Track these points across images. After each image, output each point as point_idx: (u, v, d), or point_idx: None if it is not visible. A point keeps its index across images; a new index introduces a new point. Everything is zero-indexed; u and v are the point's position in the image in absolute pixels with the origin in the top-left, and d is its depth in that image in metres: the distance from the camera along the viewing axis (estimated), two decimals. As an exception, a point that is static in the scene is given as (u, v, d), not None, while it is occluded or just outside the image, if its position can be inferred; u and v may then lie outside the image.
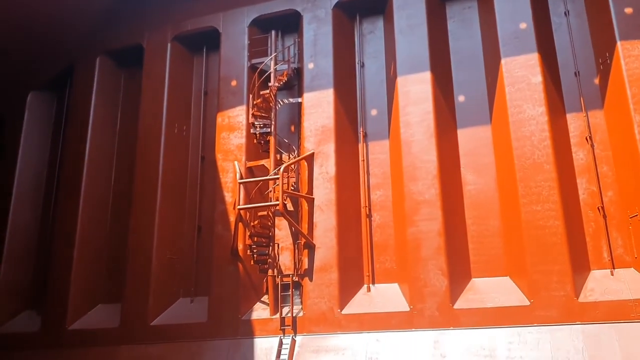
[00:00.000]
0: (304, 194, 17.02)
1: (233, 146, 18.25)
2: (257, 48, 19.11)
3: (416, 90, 16.63)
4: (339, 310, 15.66)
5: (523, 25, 16.03)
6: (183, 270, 18.31)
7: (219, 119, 18.80)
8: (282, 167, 16.36)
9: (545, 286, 14.00)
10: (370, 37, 18.86)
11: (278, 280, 16.48)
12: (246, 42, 19.10)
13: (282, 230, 17.38)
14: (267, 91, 17.55)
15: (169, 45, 20.05)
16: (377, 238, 16.79)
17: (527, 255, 14.40)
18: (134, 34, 20.83)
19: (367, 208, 17.04)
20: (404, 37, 17.29)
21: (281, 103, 18.32)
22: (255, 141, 18.01)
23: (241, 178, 17.16)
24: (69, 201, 19.83)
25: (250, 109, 17.73)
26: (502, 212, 15.72)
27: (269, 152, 17.69)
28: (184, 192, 19.18)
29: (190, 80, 20.50)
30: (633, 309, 13.27)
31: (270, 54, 18.70)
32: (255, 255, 16.39)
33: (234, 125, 18.45)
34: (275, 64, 18.35)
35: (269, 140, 17.71)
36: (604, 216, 14.82)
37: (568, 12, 16.57)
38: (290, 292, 16.17)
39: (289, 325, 15.88)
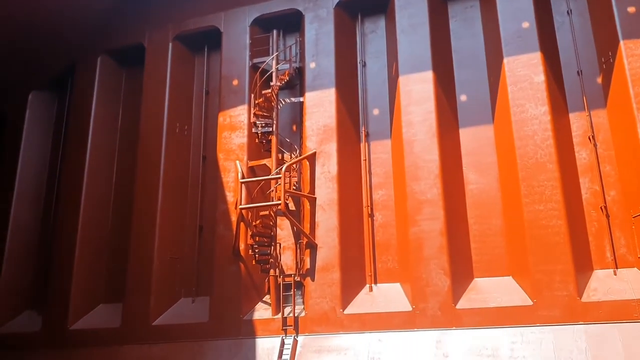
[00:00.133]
0: (305, 194, 16.99)
1: (235, 146, 18.22)
2: (259, 47, 19.08)
3: (418, 89, 16.60)
4: (341, 310, 15.63)
5: (525, 24, 16.00)
6: (184, 270, 18.28)
7: (220, 119, 18.77)
8: (284, 166, 16.32)
9: (548, 286, 13.97)
10: (372, 36, 18.84)
11: (280, 280, 16.43)
12: (248, 41, 19.07)
13: (284, 230, 17.37)
14: (269, 90, 17.51)
15: (170, 44, 20.03)
16: (379, 238, 16.77)
17: (529, 255, 14.37)
18: (135, 34, 20.80)
19: (369, 208, 17.01)
20: (405, 37, 17.26)
21: (283, 102, 18.28)
22: (257, 141, 17.98)
23: (243, 177, 17.13)
24: (70, 201, 19.79)
25: (252, 109, 17.70)
26: (505, 212, 15.69)
27: (270, 151, 17.67)
28: (186, 191, 19.15)
29: (192, 79, 20.47)
30: (636, 309, 13.25)
31: (272, 54, 18.68)
32: (257, 255, 16.38)
33: (235, 125, 18.42)
34: (277, 63, 18.32)
35: (270, 140, 17.69)
36: (607, 216, 14.79)
37: (570, 11, 16.54)
38: (292, 292, 16.13)
39: (291, 325, 15.86)
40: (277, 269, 16.61)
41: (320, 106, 17.57)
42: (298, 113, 18.60)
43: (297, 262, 16.73)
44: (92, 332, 17.91)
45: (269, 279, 16.75)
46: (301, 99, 18.17)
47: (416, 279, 15.18)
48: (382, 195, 17.11)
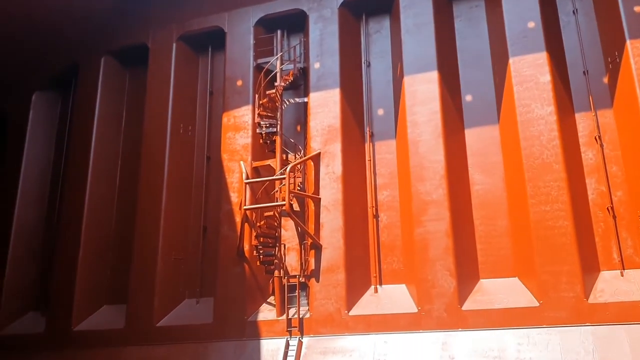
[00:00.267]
0: (310, 194, 16.93)
1: (239, 146, 18.17)
2: (263, 48, 19.04)
3: (423, 89, 16.55)
4: (346, 311, 15.56)
5: (531, 24, 15.92)
6: (188, 271, 18.23)
7: (224, 119, 18.72)
8: (289, 167, 16.26)
9: (554, 287, 13.89)
10: (376, 36, 18.78)
11: (284, 281, 16.38)
12: (252, 41, 19.04)
13: (289, 231, 17.30)
14: (273, 91, 17.50)
15: (174, 45, 19.99)
16: (384, 238, 16.70)
17: (535, 256, 14.29)
18: (139, 34, 20.77)
19: (374, 208, 16.94)
20: (410, 37, 17.20)
21: (287, 103, 18.25)
22: (261, 141, 17.94)
23: (247, 178, 17.09)
24: (73, 201, 19.78)
25: (256, 109, 17.66)
26: (511, 213, 15.61)
27: (275, 152, 17.63)
28: (190, 192, 19.11)
29: (196, 80, 20.43)
30: (643, 310, 13.16)
31: (276, 54, 18.65)
32: (261, 256, 16.33)
33: (239, 125, 18.36)
34: (281, 63, 18.30)
35: (275, 140, 17.64)
36: (614, 216, 14.70)
37: (576, 10, 16.46)
38: (296, 293, 16.06)
39: (296, 327, 15.79)
40: (281, 270, 16.57)
41: (325, 106, 17.51)
42: (302, 113, 18.54)
43: (301, 263, 16.66)
44: (96, 333, 17.86)
45: (273, 280, 16.68)
46: (305, 99, 18.11)
47: (422, 280, 15.11)
48: (387, 196, 17.04)
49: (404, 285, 15.98)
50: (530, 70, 15.57)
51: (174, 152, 18.98)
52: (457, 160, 16.20)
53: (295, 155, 17.88)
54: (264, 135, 17.68)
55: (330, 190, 16.71)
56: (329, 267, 16.02)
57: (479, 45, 17.31)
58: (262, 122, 17.50)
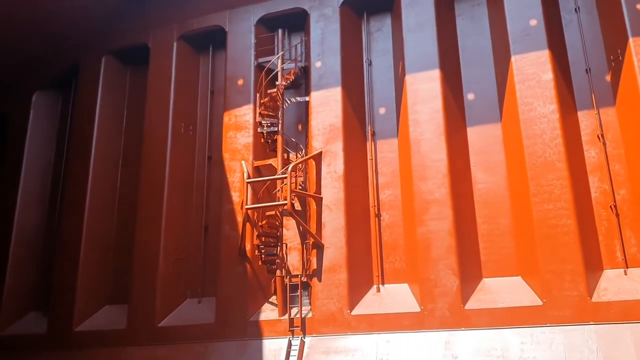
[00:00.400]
0: (312, 194, 16.88)
1: (240, 145, 18.12)
2: (264, 47, 18.99)
3: (425, 88, 16.48)
4: (349, 311, 15.51)
5: (533, 22, 15.86)
6: (190, 271, 18.19)
7: (225, 118, 18.67)
8: (290, 166, 16.21)
9: (557, 286, 13.84)
10: (378, 34, 18.72)
11: (286, 280, 16.34)
12: (253, 40, 18.98)
13: (290, 230, 17.26)
14: (274, 90, 17.43)
15: (174, 44, 19.93)
16: (387, 238, 16.65)
17: (538, 255, 14.24)
18: (140, 33, 20.72)
19: (376, 207, 16.89)
20: (412, 35, 17.14)
21: (288, 102, 18.20)
22: (262, 140, 17.90)
23: (248, 177, 17.04)
24: (74, 201, 19.73)
25: (258, 108, 17.60)
26: (513, 211, 15.55)
27: (276, 151, 17.58)
28: (191, 192, 19.06)
29: (197, 79, 20.38)
30: (647, 309, 13.10)
31: (277, 53, 18.60)
32: (263, 256, 16.26)
33: (241, 125, 18.32)
34: (282, 62, 18.25)
35: (276, 140, 17.59)
36: (617, 215, 14.65)
37: (579, 8, 16.40)
38: (298, 293, 16.03)
39: (298, 327, 15.75)
40: (283, 270, 16.53)
41: (326, 105, 17.46)
42: (304, 112, 18.48)
43: (303, 263, 16.61)
44: (98, 334, 17.82)
45: (275, 280, 16.67)
46: (307, 98, 18.06)
47: (424, 280, 15.06)
48: (389, 195, 16.99)
49: (406, 285, 15.93)
50: (533, 68, 15.51)
51: (175, 152, 18.93)
52: (459, 158, 16.13)
53: (296, 155, 17.83)
54: (265, 134, 17.63)
55: (332, 189, 16.66)
56: (331, 266, 15.97)
57: (481, 43, 17.25)
58: (263, 122, 17.45)
